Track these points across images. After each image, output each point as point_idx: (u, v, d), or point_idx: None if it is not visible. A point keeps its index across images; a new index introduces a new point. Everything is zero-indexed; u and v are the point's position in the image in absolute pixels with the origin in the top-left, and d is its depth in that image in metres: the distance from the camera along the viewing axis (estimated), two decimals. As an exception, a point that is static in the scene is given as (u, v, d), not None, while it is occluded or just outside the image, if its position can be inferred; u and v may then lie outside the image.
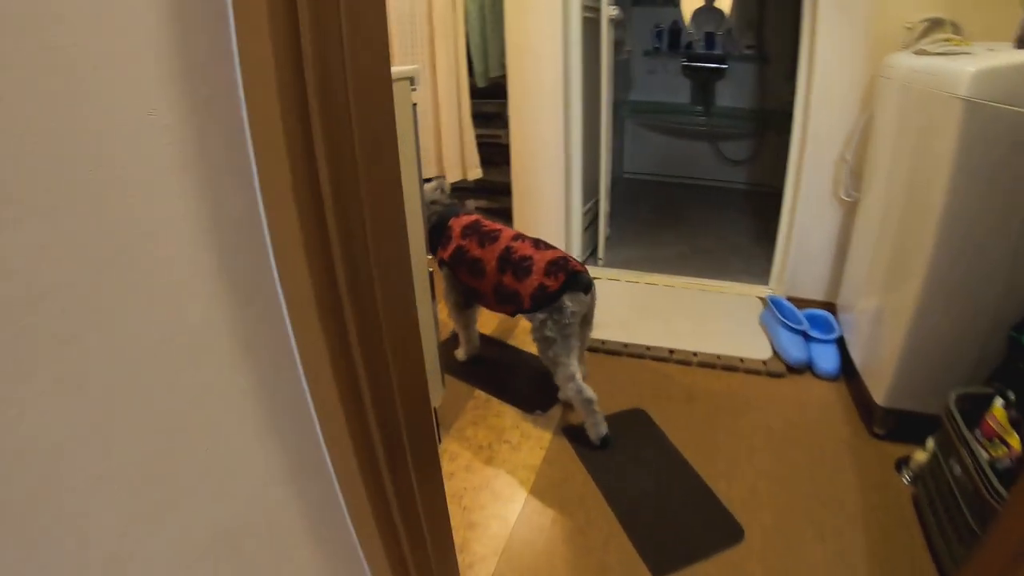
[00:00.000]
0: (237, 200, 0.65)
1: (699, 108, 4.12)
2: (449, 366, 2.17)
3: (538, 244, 1.81)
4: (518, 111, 2.58)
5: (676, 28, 4.08)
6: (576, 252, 2.84)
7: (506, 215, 2.92)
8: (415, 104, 1.45)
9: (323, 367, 0.74)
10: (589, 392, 1.74)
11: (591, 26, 2.57)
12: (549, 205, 2.70)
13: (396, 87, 1.34)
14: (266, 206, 0.67)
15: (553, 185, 2.65)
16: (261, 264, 0.69)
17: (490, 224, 1.93)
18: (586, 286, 1.72)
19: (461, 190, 3.19)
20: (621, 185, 4.13)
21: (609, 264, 2.94)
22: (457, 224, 1.94)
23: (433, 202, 2.02)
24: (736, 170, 4.19)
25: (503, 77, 2.74)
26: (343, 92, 0.64)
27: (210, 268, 0.62)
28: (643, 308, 2.54)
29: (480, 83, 2.78)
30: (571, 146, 2.61)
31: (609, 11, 2.57)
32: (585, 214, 2.87)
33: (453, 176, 2.86)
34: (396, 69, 1.34)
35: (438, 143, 2.81)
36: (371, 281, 0.73)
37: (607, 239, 3.05)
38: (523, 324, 2.38)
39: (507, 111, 2.68)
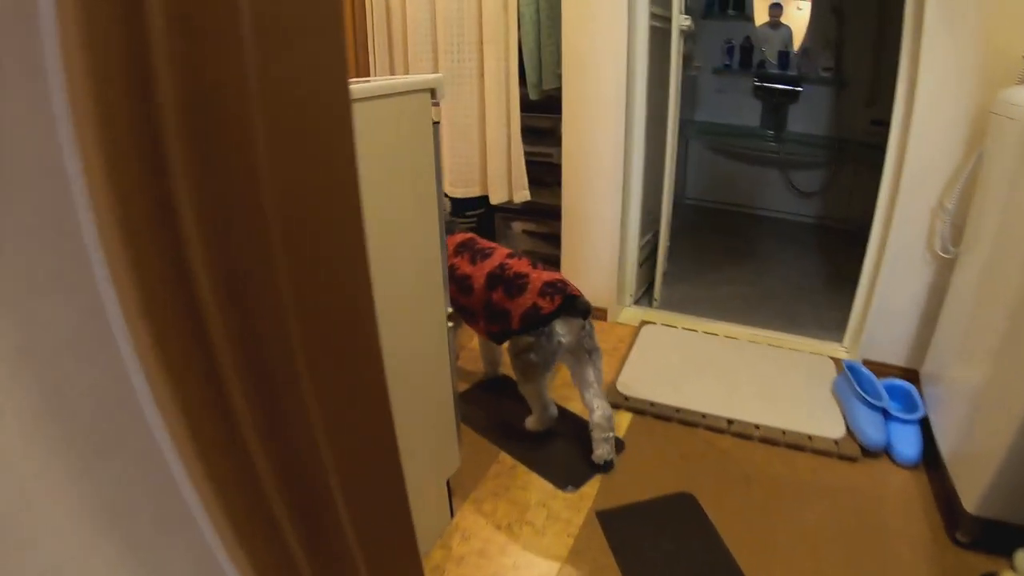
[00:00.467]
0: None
1: (769, 132, 3.81)
2: (470, 418, 1.96)
3: (536, 264, 1.72)
4: (573, 127, 2.34)
5: (748, 45, 3.78)
6: (629, 290, 2.59)
7: (555, 240, 2.67)
8: (436, 122, 1.24)
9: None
10: (553, 410, 1.82)
11: (659, 37, 2.29)
12: (602, 234, 2.43)
13: (410, 101, 1.14)
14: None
15: (608, 212, 2.38)
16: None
17: (485, 243, 1.87)
18: (584, 312, 1.61)
19: (505, 211, 2.98)
20: (681, 211, 3.84)
21: (665, 305, 2.65)
22: (451, 242, 1.87)
23: None
24: (806, 202, 3.86)
25: (558, 90, 2.48)
26: (239, 119, 0.41)
27: None
28: (701, 363, 2.24)
29: (533, 95, 2.51)
30: (631, 169, 2.35)
31: (680, 21, 2.28)
32: (642, 247, 2.59)
33: (498, 197, 2.61)
34: (409, 79, 1.15)
35: (483, 159, 2.59)
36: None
37: (663, 275, 2.76)
38: (564, 377, 2.14)
39: (560, 127, 2.45)
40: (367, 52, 2.73)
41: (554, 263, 2.57)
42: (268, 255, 0.44)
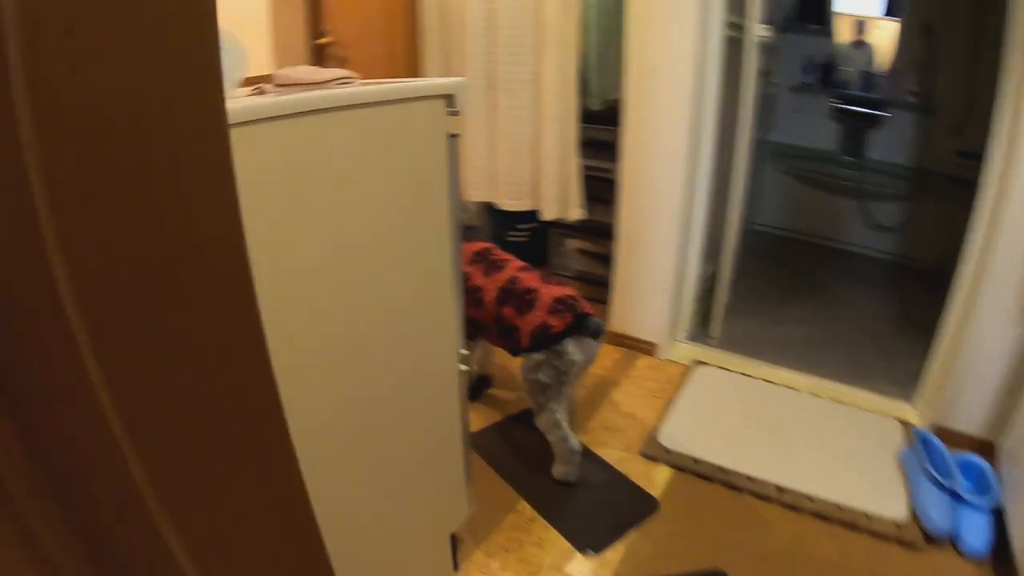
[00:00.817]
0: None
1: (847, 159, 3.53)
2: (494, 456, 1.81)
3: (547, 278, 1.66)
4: (634, 142, 2.13)
5: (830, 63, 3.52)
6: (684, 325, 2.37)
7: (611, 262, 2.46)
8: (454, 135, 1.09)
9: None
10: (575, 443, 1.65)
11: (734, 48, 2.07)
12: (659, 260, 2.23)
13: (419, 110, 0.99)
14: None
15: (667, 237, 2.18)
16: None
17: (501, 253, 1.80)
18: (595, 331, 1.54)
19: (560, 227, 2.83)
20: (747, 238, 3.55)
21: (723, 345, 2.40)
22: (468, 249, 1.80)
23: None
24: (884, 237, 3.55)
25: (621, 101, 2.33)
26: None
27: None
28: (754, 417, 2.00)
29: (594, 105, 2.34)
30: (696, 191, 2.14)
31: (758, 31, 2.05)
32: (702, 278, 2.37)
33: (550, 213, 2.45)
34: (419, 83, 0.99)
35: (536, 171, 2.44)
36: None
37: (724, 309, 2.51)
38: (603, 419, 1.99)
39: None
40: (417, 53, 2.63)
41: (607, 286, 2.42)
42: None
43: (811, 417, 2.01)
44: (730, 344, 2.39)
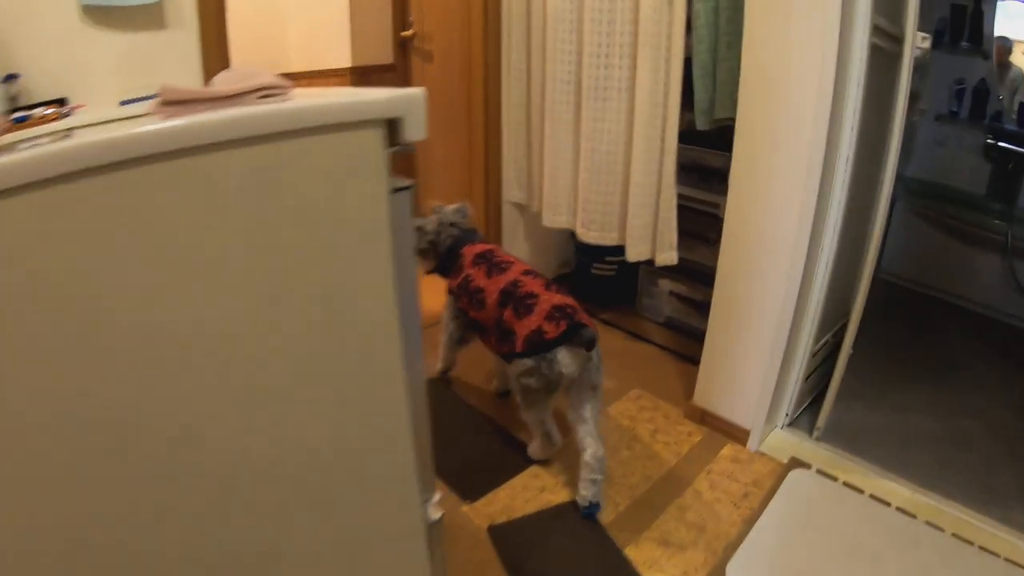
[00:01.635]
0: None
1: (996, 206, 2.95)
2: (517, 560, 1.37)
3: (549, 285, 1.62)
4: (746, 173, 1.62)
5: (983, 89, 2.96)
6: (786, 407, 1.84)
7: (704, 309, 1.92)
8: (404, 187, 0.72)
9: None
10: (556, 437, 1.68)
11: (881, 61, 1.52)
12: (764, 323, 1.68)
13: (337, 147, 0.62)
14: None
15: (779, 294, 1.63)
16: None
17: (504, 255, 1.77)
18: (588, 342, 1.48)
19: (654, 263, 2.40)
20: (871, 290, 3.03)
21: (829, 436, 1.83)
22: (470, 252, 1.80)
23: (452, 224, 1.87)
24: (1032, 306, 2.95)
25: (734, 120, 1.88)
26: None
27: None
28: (855, 554, 1.45)
29: (701, 124, 1.85)
30: (821, 241, 1.62)
31: (918, 40, 1.48)
32: (815, 351, 1.83)
33: (636, 253, 2.03)
34: (337, 101, 0.63)
35: (622, 200, 2.03)
36: None
37: (837, 394, 1.87)
38: (664, 527, 1.53)
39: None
40: (498, 51, 2.29)
41: (702, 341, 1.90)
42: None
43: (927, 562, 1.45)
44: (836, 436, 1.85)
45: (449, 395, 2.06)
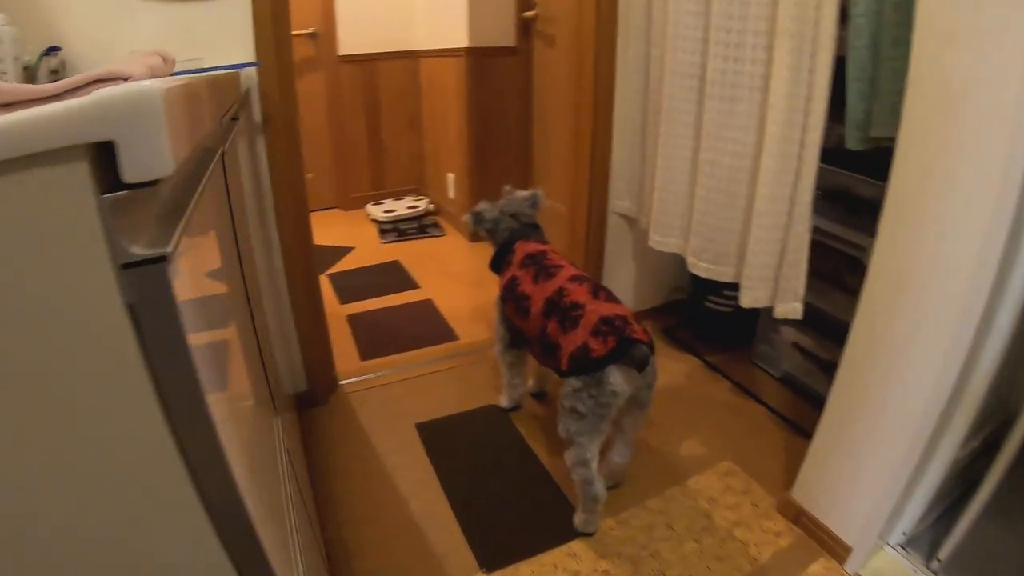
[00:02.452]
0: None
1: None
2: None
3: (597, 291, 1.42)
4: (903, 212, 1.13)
5: None
6: (905, 524, 1.35)
7: (831, 371, 1.41)
8: (152, 260, 0.64)
9: None
10: (599, 489, 1.38)
11: None
12: (898, 415, 1.20)
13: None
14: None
15: (928, 375, 1.14)
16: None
17: (555, 258, 1.59)
18: (641, 362, 1.26)
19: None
20: None
21: (952, 569, 1.32)
22: (522, 249, 1.65)
23: (513, 215, 1.74)
24: None
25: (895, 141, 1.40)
26: None
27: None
28: None
29: (853, 142, 1.39)
30: (996, 315, 1.10)
31: None
32: (961, 455, 1.34)
33: (751, 298, 1.61)
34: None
35: (742, 229, 1.63)
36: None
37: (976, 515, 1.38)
38: None
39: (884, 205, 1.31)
40: (613, 33, 1.94)
41: (820, 407, 1.39)
42: None
43: None
44: (963, 568, 1.29)
45: (507, 428, 1.82)
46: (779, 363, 2.00)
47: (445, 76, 3.31)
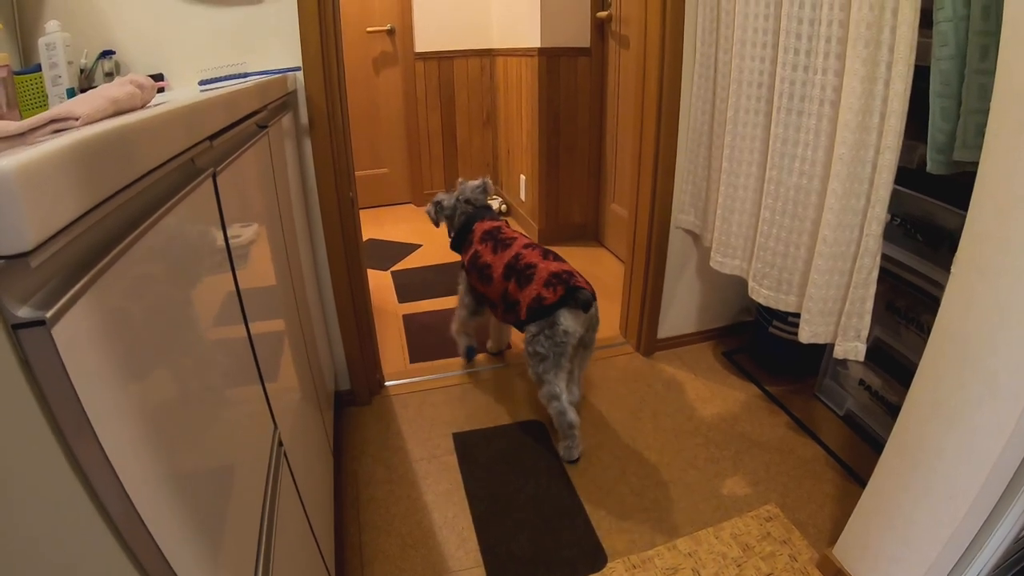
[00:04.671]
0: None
1: None
2: None
3: (547, 255, 1.68)
4: (982, 248, 0.96)
5: None
6: None
7: (897, 415, 1.23)
8: (29, 324, 0.42)
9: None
10: (572, 416, 1.63)
11: None
12: (956, 481, 1.01)
13: None
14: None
15: (992, 443, 0.95)
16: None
17: (509, 232, 1.86)
18: (585, 304, 1.52)
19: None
20: None
21: None
22: (479, 228, 1.90)
23: (467, 201, 1.98)
24: None
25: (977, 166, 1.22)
26: None
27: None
28: None
29: (934, 166, 1.19)
30: None
31: None
32: (1017, 537, 1.10)
33: (810, 333, 1.49)
34: None
35: (806, 256, 1.48)
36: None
37: None
38: None
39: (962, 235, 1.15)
40: (679, 36, 1.82)
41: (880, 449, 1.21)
42: None
43: None
44: None
45: (545, 448, 1.77)
46: (843, 400, 1.83)
47: (518, 76, 3.26)
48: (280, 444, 0.97)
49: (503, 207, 3.85)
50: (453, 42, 3.67)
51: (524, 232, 3.42)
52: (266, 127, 1.17)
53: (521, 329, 1.65)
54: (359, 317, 1.86)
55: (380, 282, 2.92)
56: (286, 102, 1.53)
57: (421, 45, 3.63)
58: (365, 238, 3.49)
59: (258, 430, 0.83)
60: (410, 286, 2.83)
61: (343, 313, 1.82)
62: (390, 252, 3.25)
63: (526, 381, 2.08)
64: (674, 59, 1.80)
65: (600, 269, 2.98)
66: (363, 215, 3.89)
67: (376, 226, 3.73)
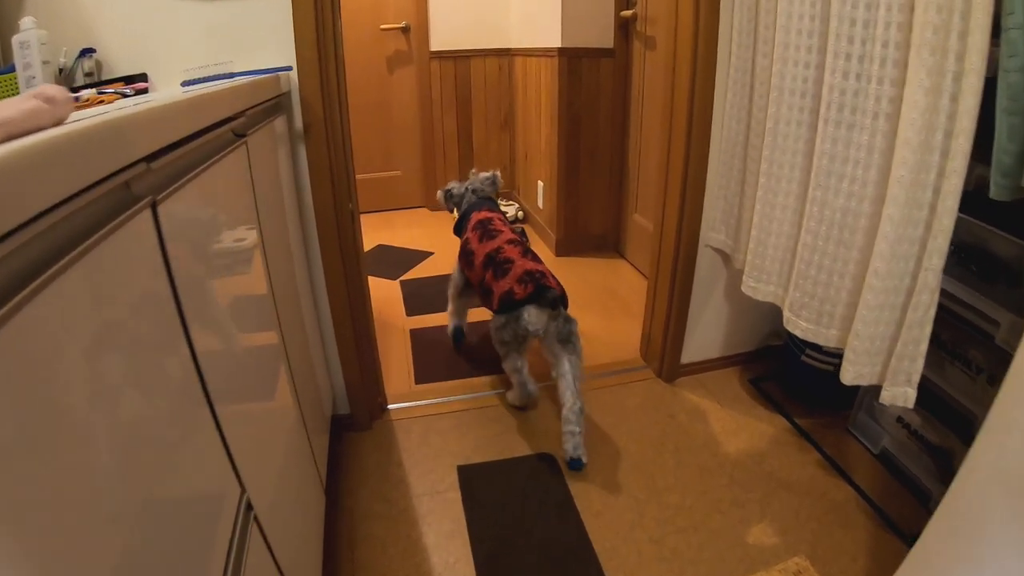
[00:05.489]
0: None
1: None
2: None
3: (526, 253, 1.81)
4: None
5: None
6: None
7: (946, 468, 0.96)
8: None
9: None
10: (532, 388, 1.82)
11: None
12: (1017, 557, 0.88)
13: None
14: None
15: None
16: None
17: (499, 224, 1.97)
18: (551, 303, 1.64)
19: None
20: None
21: None
22: (475, 217, 2.02)
23: (474, 191, 2.13)
24: None
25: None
26: None
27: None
28: None
29: (999, 191, 1.04)
30: None
31: None
32: None
33: (853, 374, 1.32)
34: None
35: (852, 287, 1.32)
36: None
37: None
38: None
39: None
40: (713, 38, 1.66)
41: (924, 500, 1.03)
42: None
43: None
44: None
45: (557, 486, 1.64)
46: (878, 437, 1.67)
47: (538, 77, 3.12)
48: (249, 508, 0.84)
49: (520, 214, 3.70)
50: (470, 41, 3.53)
51: (543, 242, 3.30)
52: (244, 136, 1.04)
53: (492, 311, 1.77)
54: (359, 338, 1.73)
55: (388, 292, 2.79)
56: (279, 104, 1.40)
57: (437, 44, 3.50)
58: (374, 243, 3.37)
59: (214, 501, 0.70)
60: (419, 297, 2.70)
61: (341, 334, 1.69)
62: (400, 259, 3.13)
63: (537, 410, 1.94)
64: (707, 62, 1.65)
65: (620, 283, 2.83)
66: (374, 219, 3.79)
67: (387, 230, 3.61)
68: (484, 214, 2.02)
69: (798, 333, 1.48)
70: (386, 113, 3.69)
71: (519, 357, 1.77)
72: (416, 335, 2.38)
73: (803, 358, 1.81)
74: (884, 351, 1.27)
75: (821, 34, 1.31)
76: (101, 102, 1.07)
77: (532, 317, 1.64)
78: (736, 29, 1.61)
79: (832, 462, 1.68)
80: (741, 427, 1.84)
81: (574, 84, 2.79)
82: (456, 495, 1.60)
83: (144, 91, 1.27)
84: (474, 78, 3.64)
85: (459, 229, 2.10)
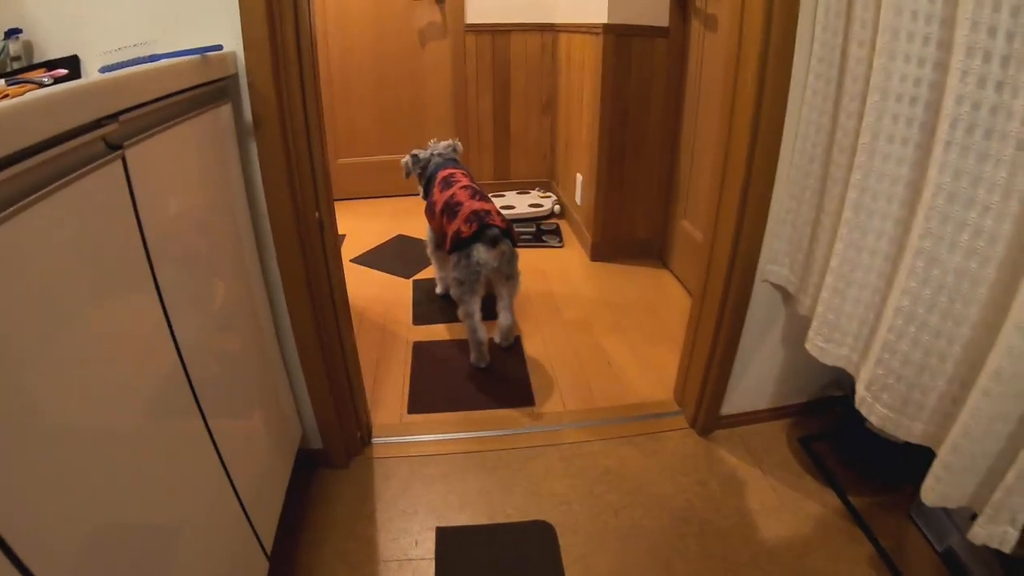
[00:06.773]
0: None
1: None
2: None
3: (475, 195, 1.94)
4: None
5: None
6: None
7: (1013, 568, 0.85)
8: None
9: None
10: (482, 334, 1.94)
11: None
12: None
13: None
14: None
15: None
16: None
17: (459, 177, 2.10)
18: (492, 240, 1.78)
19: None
20: None
21: None
22: (441, 174, 2.15)
23: (438, 155, 2.27)
24: None
25: None
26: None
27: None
28: None
29: None
30: None
31: None
32: None
33: (940, 497, 0.90)
34: None
35: (963, 386, 0.95)
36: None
37: None
38: None
39: None
40: (792, 23, 1.27)
41: None
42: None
43: None
44: None
45: (549, 558, 1.36)
46: (946, 533, 1.32)
47: (581, 57, 2.74)
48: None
49: (556, 207, 3.36)
50: (510, 14, 3.17)
51: (579, 244, 2.95)
52: (120, 147, 0.74)
53: (449, 255, 1.89)
54: (332, 371, 1.44)
55: (399, 293, 2.52)
56: (224, 89, 1.11)
57: (473, 16, 3.15)
58: (394, 234, 3.10)
59: None
60: (429, 304, 2.42)
61: (309, 368, 1.41)
62: (417, 255, 2.84)
63: (547, 461, 1.64)
64: (782, 49, 1.27)
65: (661, 300, 2.47)
66: (398, 204, 3.51)
67: (410, 219, 3.33)
68: (448, 171, 2.16)
69: (873, 420, 1.12)
70: (418, 92, 3.39)
71: (472, 299, 1.86)
72: (419, 350, 2.09)
73: (866, 424, 1.45)
74: (983, 469, 0.91)
75: (945, 21, 0.93)
76: (7, 96, 0.81)
77: (481, 254, 1.80)
78: (823, 8, 1.23)
79: (887, 558, 1.34)
80: (784, 505, 1.49)
81: (621, 67, 2.41)
82: (429, 565, 1.33)
83: (65, 78, 1.00)
84: (514, 55, 3.28)
85: (427, 192, 2.22)
